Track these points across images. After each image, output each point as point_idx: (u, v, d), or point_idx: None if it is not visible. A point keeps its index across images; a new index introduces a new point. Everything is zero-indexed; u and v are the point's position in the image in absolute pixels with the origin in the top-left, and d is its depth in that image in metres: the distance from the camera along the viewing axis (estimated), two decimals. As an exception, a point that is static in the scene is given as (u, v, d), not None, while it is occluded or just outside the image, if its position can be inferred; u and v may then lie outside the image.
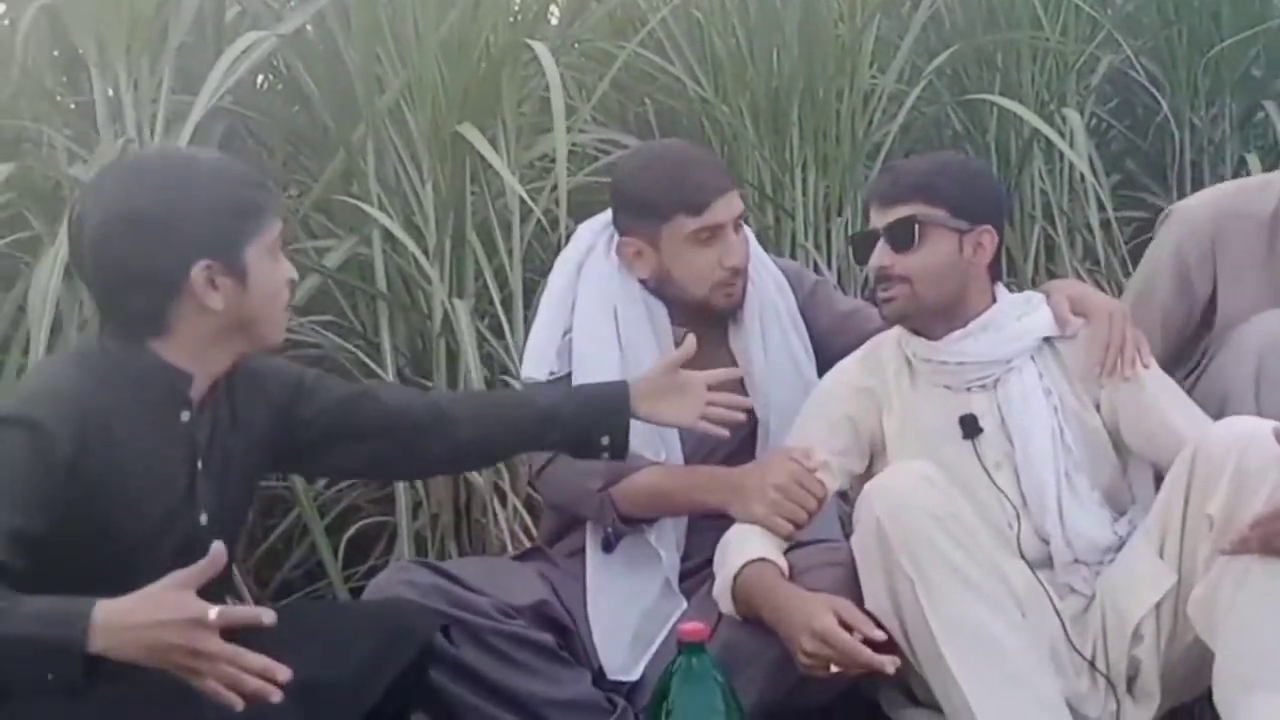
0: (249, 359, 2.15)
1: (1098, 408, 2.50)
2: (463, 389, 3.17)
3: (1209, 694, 2.31)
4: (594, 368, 2.57)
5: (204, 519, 2.09)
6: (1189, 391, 2.57)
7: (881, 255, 2.47)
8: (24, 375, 2.60)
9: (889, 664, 2.24)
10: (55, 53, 3.29)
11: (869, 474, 2.50)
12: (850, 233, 3.69)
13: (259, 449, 2.18)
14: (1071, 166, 4.02)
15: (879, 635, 2.27)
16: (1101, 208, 3.90)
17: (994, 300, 2.54)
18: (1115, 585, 2.40)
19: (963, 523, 2.31)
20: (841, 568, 2.41)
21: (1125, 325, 2.48)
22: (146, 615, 1.72)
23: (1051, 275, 4.14)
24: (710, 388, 2.41)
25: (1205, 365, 2.63)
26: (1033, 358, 2.50)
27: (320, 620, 2.22)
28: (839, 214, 3.75)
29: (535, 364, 2.62)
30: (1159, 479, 2.52)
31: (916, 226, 2.45)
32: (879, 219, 2.49)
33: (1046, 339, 2.51)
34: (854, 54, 3.72)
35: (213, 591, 1.81)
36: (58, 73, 3.30)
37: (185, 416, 2.05)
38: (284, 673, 1.76)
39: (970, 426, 2.48)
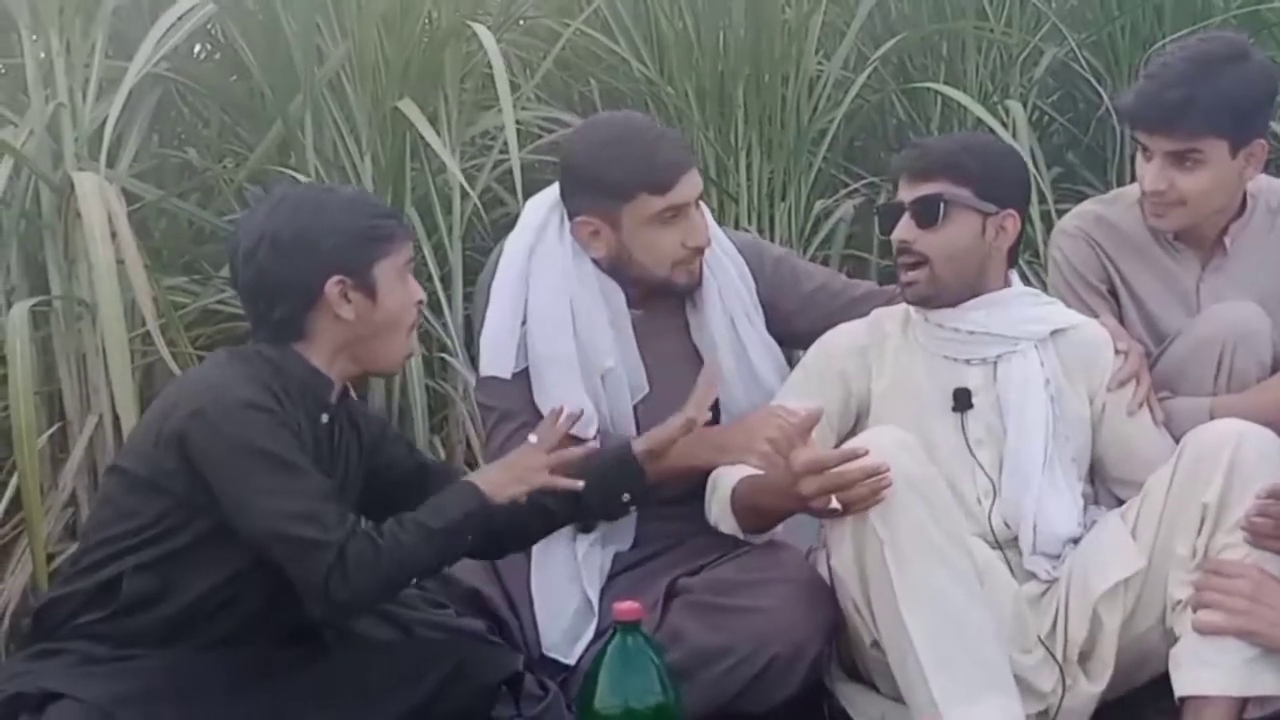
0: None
1: (1090, 402, 2.53)
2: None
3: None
4: (551, 364, 2.53)
5: None
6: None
7: (904, 230, 2.49)
8: (186, 375, 2.54)
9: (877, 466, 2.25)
10: (-14, 14, 3.22)
11: (853, 434, 2.50)
12: (792, 218, 3.69)
13: (363, 467, 2.34)
14: (1014, 158, 4.03)
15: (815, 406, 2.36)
16: (1042, 200, 3.91)
17: (1008, 285, 2.56)
18: (1083, 559, 2.43)
19: (936, 491, 2.32)
20: (791, 584, 2.42)
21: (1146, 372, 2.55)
22: (510, 479, 2.26)
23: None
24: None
25: (1159, 355, 2.63)
26: (1036, 347, 2.51)
27: (399, 643, 2.37)
28: (783, 199, 3.74)
29: (497, 361, 2.56)
30: None
31: (942, 205, 2.47)
32: (907, 193, 2.51)
33: (1053, 332, 2.53)
34: (800, 39, 3.71)
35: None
36: (-13, 34, 3.24)
37: (325, 419, 2.25)
38: None
39: (963, 400, 2.50)
